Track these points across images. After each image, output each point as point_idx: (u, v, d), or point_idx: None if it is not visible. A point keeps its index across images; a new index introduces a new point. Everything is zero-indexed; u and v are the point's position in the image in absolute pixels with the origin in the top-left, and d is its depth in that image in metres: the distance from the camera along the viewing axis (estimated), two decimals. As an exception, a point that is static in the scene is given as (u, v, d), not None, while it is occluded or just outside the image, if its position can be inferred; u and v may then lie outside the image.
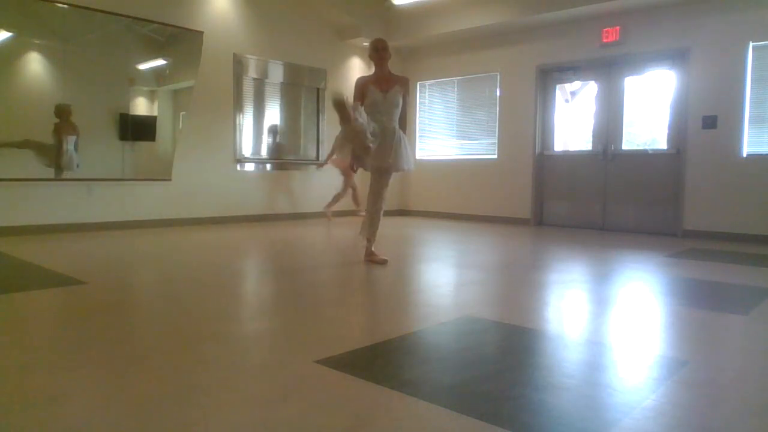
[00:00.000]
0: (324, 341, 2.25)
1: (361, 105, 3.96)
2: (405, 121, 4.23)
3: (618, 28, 6.61)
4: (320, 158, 8.15)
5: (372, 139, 3.87)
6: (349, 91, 4.55)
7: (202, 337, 2.27)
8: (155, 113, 6.52)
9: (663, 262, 4.43)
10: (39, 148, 5.62)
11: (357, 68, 8.46)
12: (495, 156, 7.89)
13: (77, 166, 5.77)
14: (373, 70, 4.23)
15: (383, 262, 4.07)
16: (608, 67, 6.91)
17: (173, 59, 6.61)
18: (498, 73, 7.82)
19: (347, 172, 7.03)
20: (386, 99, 4.05)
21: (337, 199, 7.38)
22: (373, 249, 4.18)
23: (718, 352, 2.23)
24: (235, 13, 7.04)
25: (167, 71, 6.63)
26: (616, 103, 6.90)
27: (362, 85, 4.11)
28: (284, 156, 7.81)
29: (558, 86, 7.51)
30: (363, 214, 8.27)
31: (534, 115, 7.45)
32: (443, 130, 8.63)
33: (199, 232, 6.11)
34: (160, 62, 6.55)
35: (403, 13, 8.13)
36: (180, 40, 6.55)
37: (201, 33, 6.64)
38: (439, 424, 1.51)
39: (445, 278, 3.73)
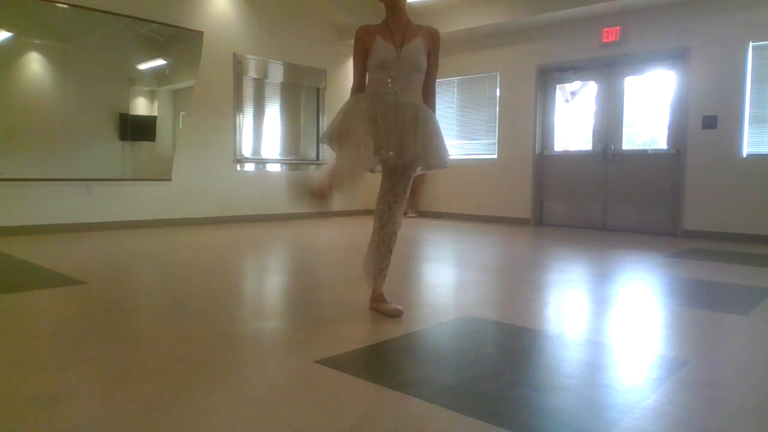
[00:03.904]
0: (324, 341, 2.24)
1: (365, 65, 2.64)
2: (432, 95, 2.84)
3: (618, 28, 6.60)
4: (320, 158, 8.15)
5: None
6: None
7: (201, 337, 2.27)
8: (155, 113, 6.52)
9: (663, 262, 4.43)
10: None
11: (357, 68, 8.46)
12: (495, 156, 7.89)
13: None
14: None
15: (395, 313, 2.62)
16: (608, 67, 6.91)
17: (173, 59, 6.62)
18: (498, 73, 7.81)
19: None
20: (401, 57, 2.59)
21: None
22: (382, 291, 2.75)
23: (718, 352, 2.23)
24: (235, 13, 7.04)
25: (167, 71, 6.63)
26: (616, 103, 6.90)
27: (364, 37, 2.62)
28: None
29: (558, 86, 7.51)
30: (412, 215, 8.42)
31: (534, 115, 7.45)
32: (443, 130, 8.61)
33: (198, 232, 6.11)
34: (160, 62, 6.56)
35: (403, 13, 8.11)
36: (180, 40, 6.55)
37: (201, 33, 6.65)
38: (439, 424, 1.51)
39: (445, 278, 3.73)
